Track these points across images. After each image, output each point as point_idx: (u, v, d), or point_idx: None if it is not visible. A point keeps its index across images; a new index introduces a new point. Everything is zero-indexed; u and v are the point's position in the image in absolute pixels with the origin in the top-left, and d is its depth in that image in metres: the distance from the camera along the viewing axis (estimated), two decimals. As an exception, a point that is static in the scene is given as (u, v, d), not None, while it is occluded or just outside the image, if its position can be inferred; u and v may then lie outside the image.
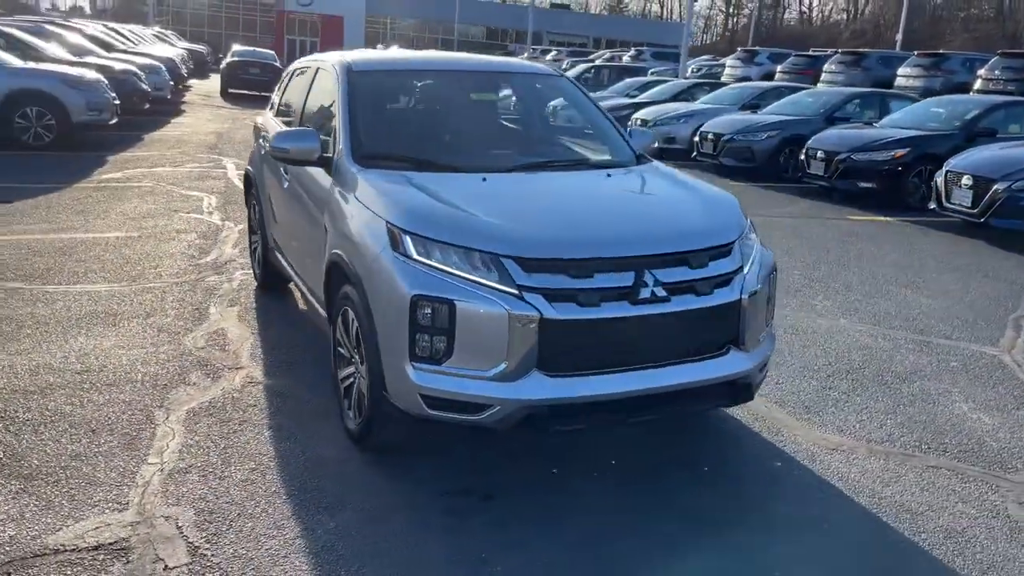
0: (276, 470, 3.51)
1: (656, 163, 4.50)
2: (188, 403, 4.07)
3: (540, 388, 3.14)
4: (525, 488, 3.48)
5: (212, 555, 2.90)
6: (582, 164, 4.39)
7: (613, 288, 3.21)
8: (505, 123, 4.88)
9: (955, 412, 4.41)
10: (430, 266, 3.21)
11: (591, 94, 5.17)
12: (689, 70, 27.95)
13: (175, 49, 28.68)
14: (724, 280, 3.43)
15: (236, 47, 28.01)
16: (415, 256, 3.25)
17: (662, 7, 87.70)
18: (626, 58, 36.11)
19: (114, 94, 13.09)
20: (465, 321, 3.11)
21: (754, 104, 15.55)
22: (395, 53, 6.78)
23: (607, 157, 4.53)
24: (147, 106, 16.39)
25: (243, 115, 19.51)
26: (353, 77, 4.41)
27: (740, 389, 3.55)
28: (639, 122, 14.77)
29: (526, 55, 37.43)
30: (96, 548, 2.89)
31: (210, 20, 60.01)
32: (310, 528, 3.11)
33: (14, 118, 11.67)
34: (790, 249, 8.11)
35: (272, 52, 27.79)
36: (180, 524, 3.07)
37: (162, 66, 18.76)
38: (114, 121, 12.90)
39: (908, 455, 3.92)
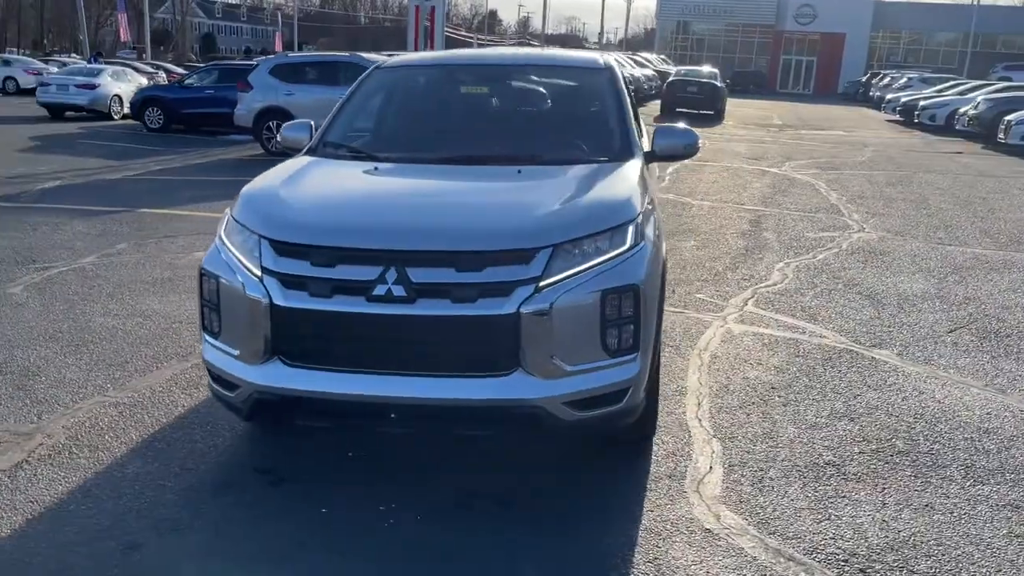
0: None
1: (629, 163, 3.92)
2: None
3: (275, 376, 3.11)
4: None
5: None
6: (520, 159, 4.01)
7: (353, 281, 3.01)
8: (497, 116, 4.63)
9: None
10: (223, 243, 3.37)
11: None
12: None
13: (640, 70, 31.70)
14: (499, 289, 2.97)
15: (679, 68, 28.94)
16: (222, 234, 3.43)
17: None
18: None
19: None
20: (225, 299, 3.23)
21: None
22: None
23: (576, 153, 4.08)
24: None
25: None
26: (373, 73, 4.67)
27: (527, 420, 3.03)
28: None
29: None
30: None
31: (709, 44, 62.03)
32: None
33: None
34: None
35: (715, 71, 27.82)
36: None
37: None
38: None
39: None
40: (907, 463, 3.67)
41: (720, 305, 6.01)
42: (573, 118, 4.57)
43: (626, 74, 21.84)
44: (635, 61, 36.12)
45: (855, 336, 5.38)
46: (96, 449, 3.66)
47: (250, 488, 3.37)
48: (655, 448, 3.75)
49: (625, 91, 4.49)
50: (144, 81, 24.80)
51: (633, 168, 3.86)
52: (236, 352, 3.21)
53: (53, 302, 5.71)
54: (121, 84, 23.11)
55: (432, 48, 35.72)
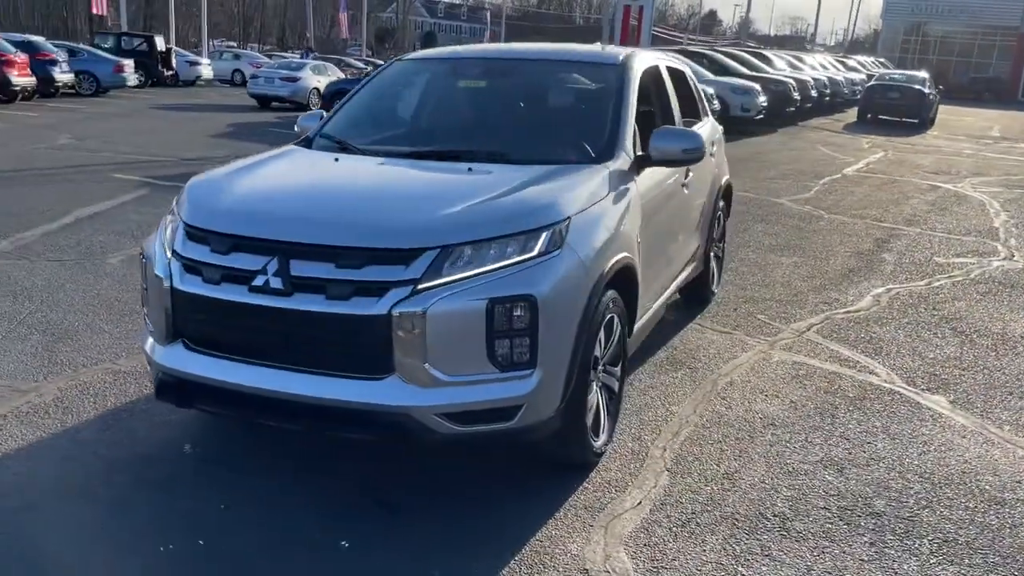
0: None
1: (599, 167, 3.65)
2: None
3: (175, 358, 3.19)
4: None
5: None
6: (486, 156, 3.81)
7: (239, 270, 3.01)
8: (485, 112, 4.43)
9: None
10: (161, 227, 3.48)
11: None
12: None
13: (845, 73, 29.93)
14: (373, 289, 2.86)
15: (883, 71, 26.78)
16: (168, 219, 3.55)
17: None
18: None
19: (764, 99, 19.14)
20: (148, 279, 3.34)
21: None
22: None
23: (548, 153, 3.85)
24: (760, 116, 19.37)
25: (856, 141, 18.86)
26: (390, 66, 4.70)
27: (395, 428, 2.90)
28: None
29: None
30: None
31: (940, 47, 57.06)
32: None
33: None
34: None
35: (923, 75, 25.48)
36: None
37: (756, 88, 19.39)
38: (759, 117, 18.84)
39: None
40: (871, 527, 3.17)
41: (777, 328, 5.49)
42: (562, 116, 4.33)
43: (809, 76, 20.92)
44: (843, 64, 34.04)
45: (912, 377, 4.73)
46: (69, 412, 3.90)
47: (170, 466, 3.46)
48: (596, 475, 3.48)
49: (634, 91, 4.17)
50: (341, 75, 26.39)
51: (598, 173, 3.59)
52: (152, 331, 3.31)
53: (135, 274, 6.18)
54: (321, 78, 24.75)
55: (638, 44, 35.46)
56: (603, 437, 3.59)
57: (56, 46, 23.76)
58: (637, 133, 4.03)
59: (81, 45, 27.57)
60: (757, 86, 19.58)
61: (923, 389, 4.55)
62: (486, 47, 4.78)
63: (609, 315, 3.45)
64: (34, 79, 20.53)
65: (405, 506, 3.21)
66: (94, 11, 37.49)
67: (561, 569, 2.85)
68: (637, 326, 4.06)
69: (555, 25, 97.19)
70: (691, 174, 4.81)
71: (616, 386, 3.72)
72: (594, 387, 3.48)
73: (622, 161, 3.81)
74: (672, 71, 5.21)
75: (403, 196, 3.39)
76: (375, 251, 2.91)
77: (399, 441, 3.02)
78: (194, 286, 3.09)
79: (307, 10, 48.20)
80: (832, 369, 4.80)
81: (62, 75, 22.62)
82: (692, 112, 5.57)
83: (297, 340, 2.97)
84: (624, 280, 3.62)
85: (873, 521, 3.21)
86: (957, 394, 4.51)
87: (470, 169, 3.61)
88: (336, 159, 3.87)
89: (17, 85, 19.74)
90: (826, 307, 6.02)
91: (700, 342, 5.17)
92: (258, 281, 2.95)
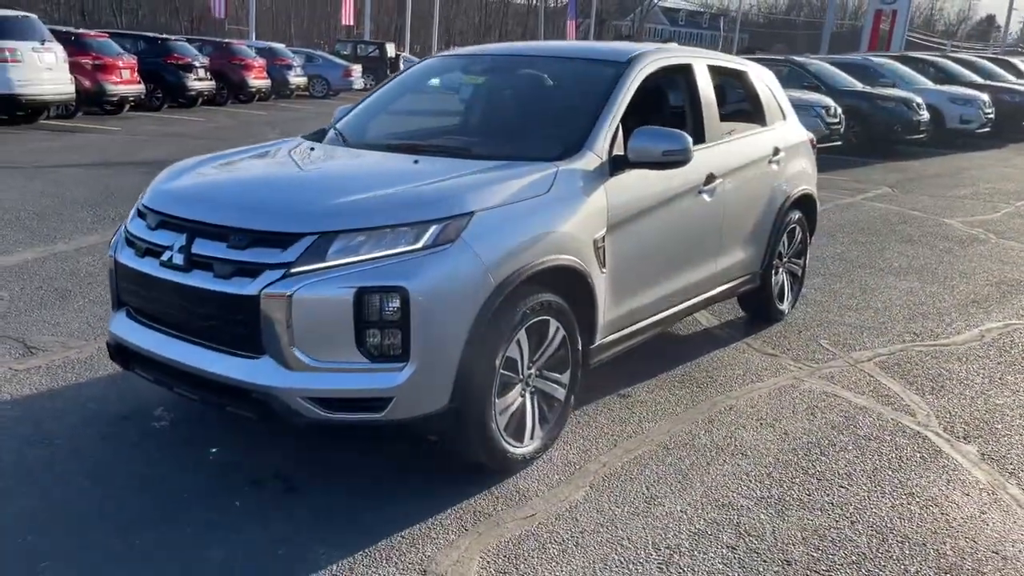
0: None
1: (549, 166, 3.53)
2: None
3: (117, 324, 3.49)
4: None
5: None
6: (451, 151, 3.80)
7: (157, 245, 3.24)
8: (472, 108, 4.36)
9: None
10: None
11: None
12: None
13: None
14: (250, 270, 2.97)
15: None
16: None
17: None
18: None
19: (991, 110, 17.33)
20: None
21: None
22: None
23: (510, 149, 3.77)
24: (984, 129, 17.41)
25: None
26: (421, 62, 4.82)
27: (263, 407, 3.00)
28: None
29: None
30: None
31: None
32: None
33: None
34: None
35: None
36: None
37: (981, 98, 17.39)
38: (983, 130, 17.22)
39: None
40: (768, 570, 2.82)
41: (832, 356, 4.97)
42: (541, 114, 4.19)
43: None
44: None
45: (953, 422, 4.11)
46: (71, 373, 4.31)
47: (135, 429, 3.77)
48: (510, 481, 3.37)
49: (626, 90, 3.96)
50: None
51: (540, 171, 3.46)
52: (111, 300, 3.65)
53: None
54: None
55: (887, 49, 33.00)
56: (533, 443, 3.47)
57: (294, 52, 26.25)
58: (620, 134, 3.83)
59: (318, 52, 30.19)
60: (984, 96, 17.58)
61: (958, 437, 3.95)
62: (506, 45, 4.74)
63: (537, 318, 3.34)
64: (269, 82, 22.81)
65: (299, 484, 3.29)
66: (344, 22, 40.88)
67: (402, 567, 2.81)
68: (610, 337, 3.87)
69: (804, 32, 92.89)
70: (719, 180, 4.49)
71: (559, 393, 3.57)
72: (516, 390, 3.38)
73: (585, 161, 3.65)
74: (720, 71, 4.88)
75: (313, 183, 3.49)
76: (258, 233, 3.02)
77: (268, 420, 3.10)
78: (127, 258, 3.37)
79: (539, 18, 49.53)
80: (862, 404, 4.28)
81: (296, 79, 24.94)
82: (751, 117, 5.18)
83: (193, 315, 3.15)
84: (565, 284, 3.48)
85: (776, 570, 2.86)
86: (994, 446, 3.87)
87: (416, 162, 3.63)
88: (312, 149, 4.03)
89: (253, 87, 22.03)
90: (911, 338, 5.36)
91: (731, 361, 4.81)
92: (165, 256, 3.16)
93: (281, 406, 2.97)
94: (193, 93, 19.40)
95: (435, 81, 4.73)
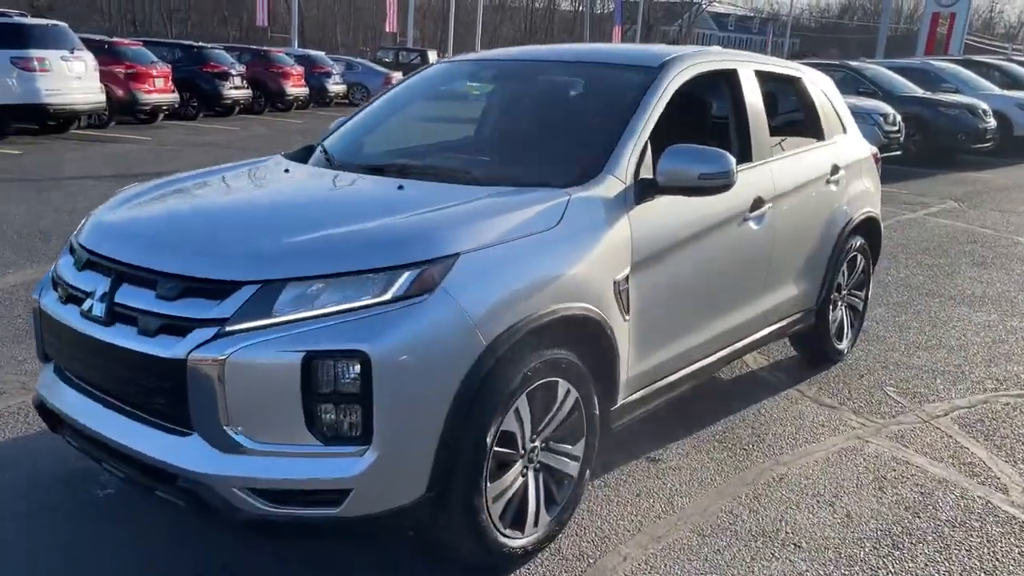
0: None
1: (560, 193, 2.90)
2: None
3: (43, 380, 2.96)
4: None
5: None
6: (448, 174, 3.20)
7: (80, 290, 2.68)
8: (476, 121, 3.73)
9: None
10: None
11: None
12: None
13: None
14: (179, 326, 2.39)
15: None
16: None
17: None
18: None
19: None
20: None
21: None
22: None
23: (516, 173, 3.18)
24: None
25: None
26: (425, 68, 4.25)
27: (192, 497, 2.41)
28: None
29: None
30: None
31: None
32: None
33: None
34: None
35: None
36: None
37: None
38: None
39: None
40: None
41: (902, 408, 4.25)
42: (557, 130, 3.54)
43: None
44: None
45: (1058, 502, 3.38)
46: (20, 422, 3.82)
47: (72, 498, 3.23)
48: (509, 580, 2.75)
49: (658, 101, 3.31)
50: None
51: (547, 201, 2.83)
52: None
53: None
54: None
55: (946, 53, 31.74)
56: (536, 532, 2.84)
57: (334, 60, 25.96)
58: (648, 154, 3.19)
59: (358, 59, 29.89)
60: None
61: (1064, 524, 3.22)
62: (522, 48, 4.14)
63: (542, 380, 2.72)
64: (307, 90, 22.50)
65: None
66: (388, 29, 40.79)
67: None
68: (635, 395, 3.24)
69: (857, 36, 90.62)
70: (768, 205, 3.82)
71: (571, 468, 2.95)
72: (516, 469, 2.76)
73: (606, 187, 3.02)
74: (770, 77, 4.20)
75: (266, 217, 2.88)
76: (190, 280, 2.44)
77: (200, 513, 2.50)
78: (50, 303, 2.82)
79: (584, 23, 48.89)
80: (941, 475, 3.57)
81: (335, 86, 24.62)
82: (806, 130, 4.49)
83: (117, 379, 2.58)
84: (578, 337, 2.85)
85: None
86: (1116, 539, 3.13)
87: (401, 187, 3.03)
88: (286, 171, 3.46)
89: (291, 95, 21.74)
90: (994, 386, 4.61)
91: (781, 415, 4.12)
92: (86, 305, 2.61)
93: (214, 497, 2.38)
94: (229, 102, 19.12)
95: (442, 89, 4.13)
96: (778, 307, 4.14)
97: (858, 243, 4.73)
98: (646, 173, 3.16)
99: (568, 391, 2.85)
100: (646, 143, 3.20)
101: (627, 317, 3.06)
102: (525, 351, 2.63)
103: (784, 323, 4.25)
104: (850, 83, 14.99)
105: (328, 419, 2.34)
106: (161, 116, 17.17)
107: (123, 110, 15.99)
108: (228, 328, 2.33)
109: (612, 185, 3.04)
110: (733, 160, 3.11)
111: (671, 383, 3.45)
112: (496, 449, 2.62)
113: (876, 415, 4.17)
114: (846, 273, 4.72)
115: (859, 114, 12.26)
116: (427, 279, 2.42)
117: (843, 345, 4.85)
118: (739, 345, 3.91)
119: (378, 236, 2.53)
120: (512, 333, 2.55)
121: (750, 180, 3.72)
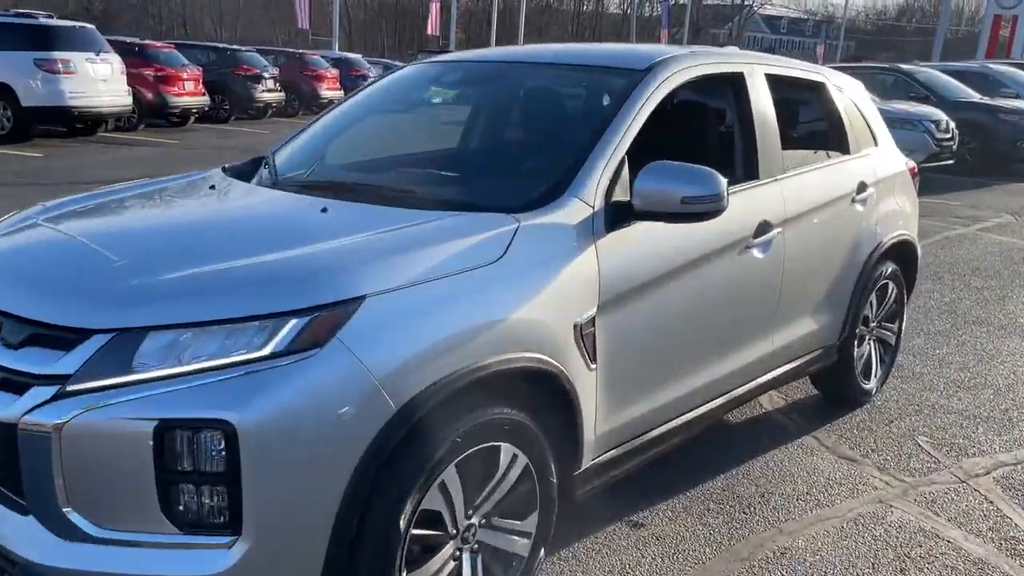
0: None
1: (503, 218, 2.43)
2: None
3: None
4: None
5: None
6: (386, 194, 2.74)
7: None
8: (436, 133, 3.30)
9: None
10: None
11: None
12: None
13: None
14: (16, 382, 1.98)
15: None
16: None
17: None
18: None
19: None
20: None
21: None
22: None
23: (462, 195, 2.73)
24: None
25: None
26: (397, 71, 3.81)
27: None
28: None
29: None
30: None
31: None
32: None
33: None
34: None
35: None
36: None
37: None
38: None
39: None
40: None
41: (935, 464, 3.68)
42: (520, 143, 3.10)
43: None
44: None
45: (1121, 596, 2.79)
46: None
47: None
48: None
49: (638, 111, 2.81)
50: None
51: (487, 229, 2.37)
52: None
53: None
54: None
55: (1007, 57, 30.47)
56: (476, 625, 2.37)
57: (371, 63, 25.77)
58: (625, 172, 2.70)
59: (397, 62, 29.67)
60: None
61: None
62: (498, 49, 3.67)
63: (478, 447, 2.25)
64: (342, 92, 22.29)
65: None
66: (428, 32, 40.73)
67: None
68: (605, 456, 2.75)
69: (915, 39, 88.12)
70: (777, 230, 3.29)
71: (521, 547, 2.48)
72: (446, 553, 2.29)
73: (567, 212, 2.53)
74: (785, 82, 3.67)
75: (143, 249, 2.43)
76: (35, 325, 2.02)
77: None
78: None
79: (631, 26, 48.21)
80: (977, 554, 3.00)
81: (371, 89, 24.43)
82: (830, 143, 3.95)
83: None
84: (527, 392, 2.38)
85: None
86: None
87: (324, 210, 2.58)
88: (211, 187, 3.03)
89: (325, 98, 21.54)
90: (1045, 437, 4.01)
91: (792, 469, 3.58)
92: None
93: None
94: (261, 104, 19.00)
95: (405, 95, 3.67)
96: (792, 344, 3.60)
97: (889, 269, 4.16)
98: (622, 195, 2.66)
99: (514, 457, 2.37)
100: (622, 160, 2.71)
101: (593, 366, 2.57)
102: (454, 413, 2.17)
103: (800, 362, 3.71)
104: (901, 87, 14.24)
105: (188, 502, 1.90)
106: (192, 119, 17.05)
107: (153, 113, 15.90)
108: (69, 387, 1.91)
109: (576, 209, 2.55)
110: (723, 181, 2.60)
111: (654, 439, 2.95)
112: (415, 532, 2.16)
113: (904, 471, 3.61)
114: (875, 304, 4.16)
115: (908, 120, 11.60)
116: (318, 329, 1.97)
117: (871, 384, 4.28)
118: (743, 389, 3.39)
119: (265, 274, 2.09)
120: (433, 392, 2.09)
121: (754, 201, 3.22)
